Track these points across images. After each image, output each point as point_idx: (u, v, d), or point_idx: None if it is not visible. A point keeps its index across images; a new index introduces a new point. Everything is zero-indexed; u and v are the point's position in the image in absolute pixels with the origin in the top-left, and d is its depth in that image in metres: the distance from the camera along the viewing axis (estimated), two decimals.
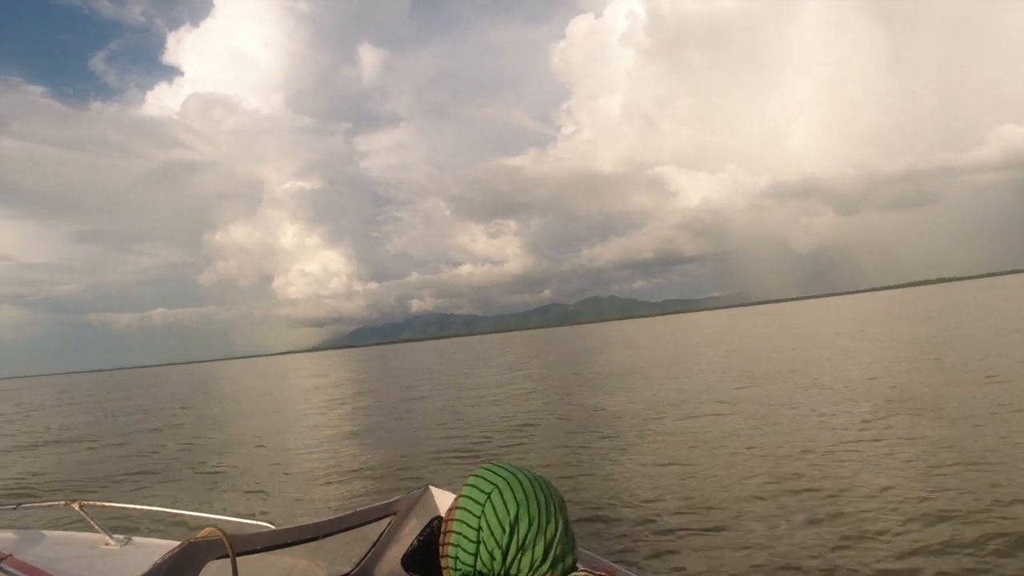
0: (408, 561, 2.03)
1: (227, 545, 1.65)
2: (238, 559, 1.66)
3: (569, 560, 1.38)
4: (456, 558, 1.40)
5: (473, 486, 1.43)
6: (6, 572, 2.45)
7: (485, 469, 1.46)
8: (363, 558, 2.29)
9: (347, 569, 2.28)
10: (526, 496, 1.38)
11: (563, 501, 1.45)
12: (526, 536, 1.35)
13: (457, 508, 1.43)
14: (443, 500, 2.28)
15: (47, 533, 3.12)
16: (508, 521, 1.35)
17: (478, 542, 1.37)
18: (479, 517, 1.38)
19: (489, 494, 1.39)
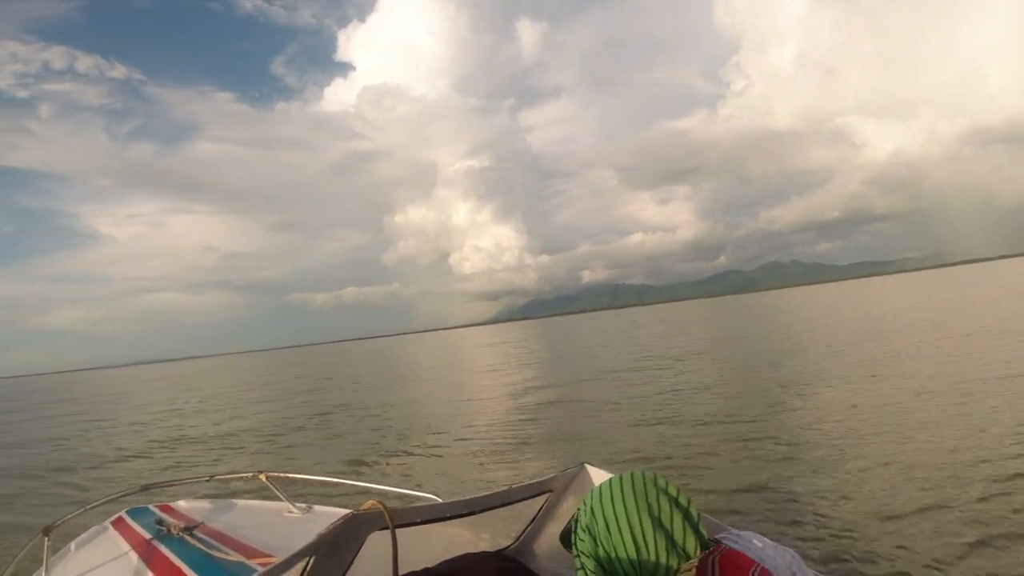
0: (566, 538, 1.98)
1: (387, 517, 1.67)
2: (399, 530, 1.68)
3: (681, 549, 1.34)
4: (576, 569, 1.45)
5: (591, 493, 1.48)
6: (198, 539, 2.66)
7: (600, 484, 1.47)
8: (521, 533, 2.30)
9: (506, 543, 2.31)
10: (612, 489, 1.40)
11: (672, 495, 1.40)
12: (621, 548, 1.35)
13: (572, 517, 1.51)
14: (599, 479, 2.18)
15: (236, 502, 3.41)
16: (586, 522, 1.43)
17: (577, 555, 1.44)
18: (573, 531, 1.48)
19: (584, 507, 1.46)
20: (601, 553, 1.38)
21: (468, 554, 2.13)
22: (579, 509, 1.45)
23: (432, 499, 2.79)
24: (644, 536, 1.34)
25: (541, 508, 2.25)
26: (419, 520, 1.89)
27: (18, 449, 16.30)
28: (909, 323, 23.82)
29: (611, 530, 1.37)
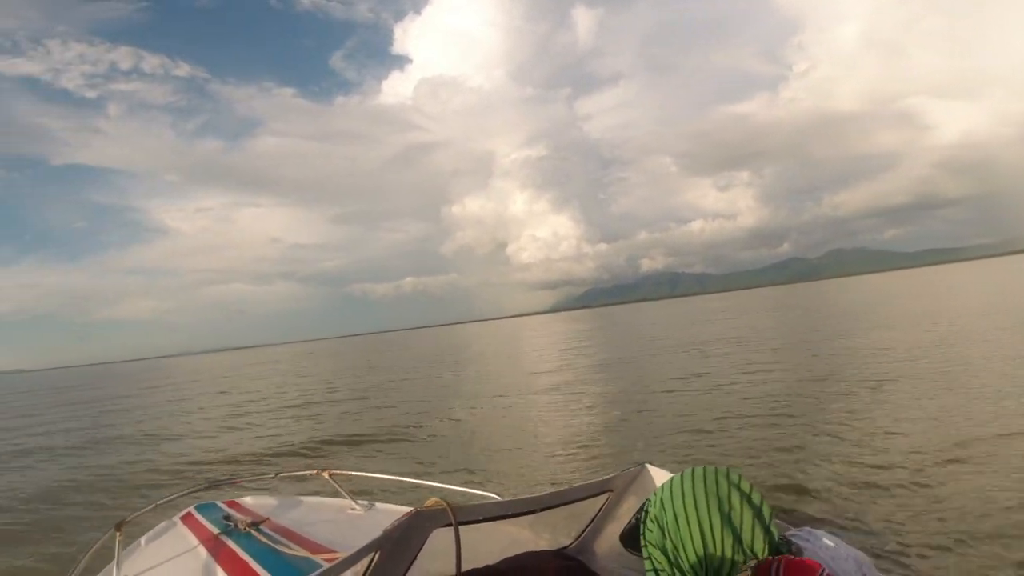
0: (626, 538, 2.05)
1: (451, 515, 1.69)
2: (461, 528, 1.70)
3: (746, 546, 1.33)
4: (643, 557, 1.46)
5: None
6: (265, 534, 2.75)
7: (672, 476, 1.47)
8: (582, 533, 2.31)
9: (566, 543, 2.32)
10: (683, 498, 1.39)
11: (744, 489, 1.38)
12: (688, 541, 1.35)
13: (641, 508, 1.51)
14: (660, 479, 2.19)
15: (300, 499, 3.52)
16: (655, 514, 1.43)
17: (645, 545, 1.45)
18: (642, 521, 1.48)
19: (654, 498, 1.47)
20: (668, 545, 1.38)
21: (529, 552, 2.15)
22: (648, 500, 1.46)
23: (492, 497, 2.83)
24: (712, 531, 1.34)
25: (601, 508, 2.25)
26: (481, 518, 1.90)
27: (107, 435, 17.15)
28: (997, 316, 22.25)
29: (679, 523, 1.37)
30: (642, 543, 1.47)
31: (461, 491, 3.29)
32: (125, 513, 3.20)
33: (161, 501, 3.60)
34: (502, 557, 2.09)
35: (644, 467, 2.23)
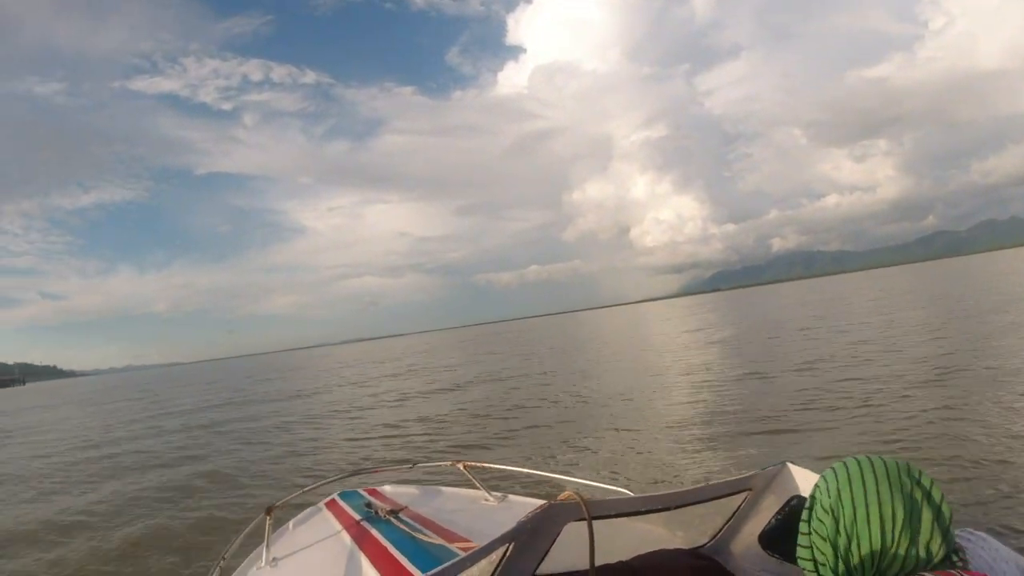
0: (765, 539, 2.06)
1: (584, 509, 1.67)
2: (594, 522, 1.67)
3: (923, 546, 1.24)
4: (799, 543, 1.38)
5: (830, 471, 1.38)
6: (403, 522, 2.85)
7: (842, 462, 1.36)
8: (718, 532, 2.23)
9: (702, 541, 2.26)
10: (850, 479, 1.31)
11: (924, 485, 1.28)
12: (852, 522, 1.28)
13: (810, 495, 1.40)
14: (802, 479, 2.05)
15: (437, 489, 3.64)
16: (830, 505, 1.32)
17: (809, 532, 1.35)
18: (810, 509, 1.37)
19: (817, 483, 1.38)
20: (841, 540, 1.28)
21: (662, 550, 2.12)
22: (816, 487, 1.36)
23: (624, 492, 2.82)
24: (893, 528, 1.24)
25: (739, 507, 2.15)
26: (614, 513, 1.87)
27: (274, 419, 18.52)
28: None
29: (858, 515, 1.27)
30: (805, 532, 1.37)
31: (593, 485, 3.28)
32: (275, 498, 3.48)
33: (308, 488, 3.85)
34: (635, 553, 2.07)
35: (785, 465, 2.13)
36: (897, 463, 1.32)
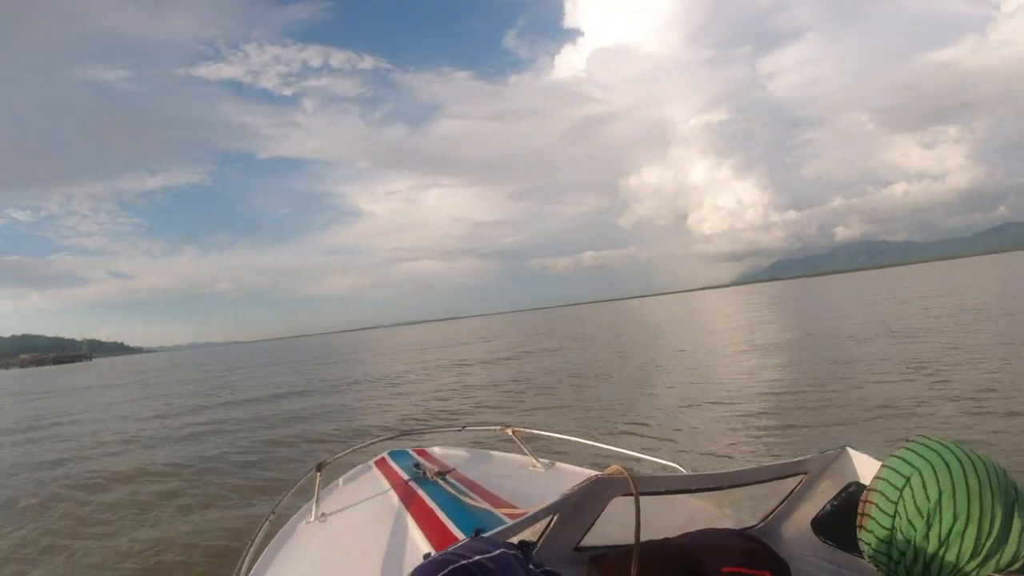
0: (819, 525, 1.98)
1: (632, 485, 1.61)
2: (641, 498, 1.61)
3: (1007, 555, 1.16)
4: (872, 533, 1.30)
5: (898, 459, 1.28)
6: (450, 484, 2.81)
7: (915, 443, 1.28)
8: (769, 514, 2.17)
9: (752, 523, 2.20)
10: (953, 483, 1.19)
11: (1013, 488, 1.20)
12: (948, 529, 1.18)
13: (878, 481, 1.30)
14: (862, 464, 1.93)
15: (484, 452, 3.63)
16: (927, 509, 1.20)
17: (892, 528, 1.26)
18: (895, 503, 1.25)
19: (909, 477, 1.24)
20: (931, 545, 1.20)
21: (711, 529, 2.06)
22: (852, 483, 1.34)
23: (674, 467, 2.82)
24: (988, 536, 1.17)
25: (793, 490, 2.08)
26: (663, 490, 1.84)
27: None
28: None
29: (957, 526, 1.18)
30: (887, 527, 1.27)
31: (644, 458, 3.26)
32: (325, 455, 3.48)
33: (358, 446, 3.91)
34: (682, 530, 2.02)
35: (844, 450, 2.01)
36: (994, 464, 1.24)
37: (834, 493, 1.98)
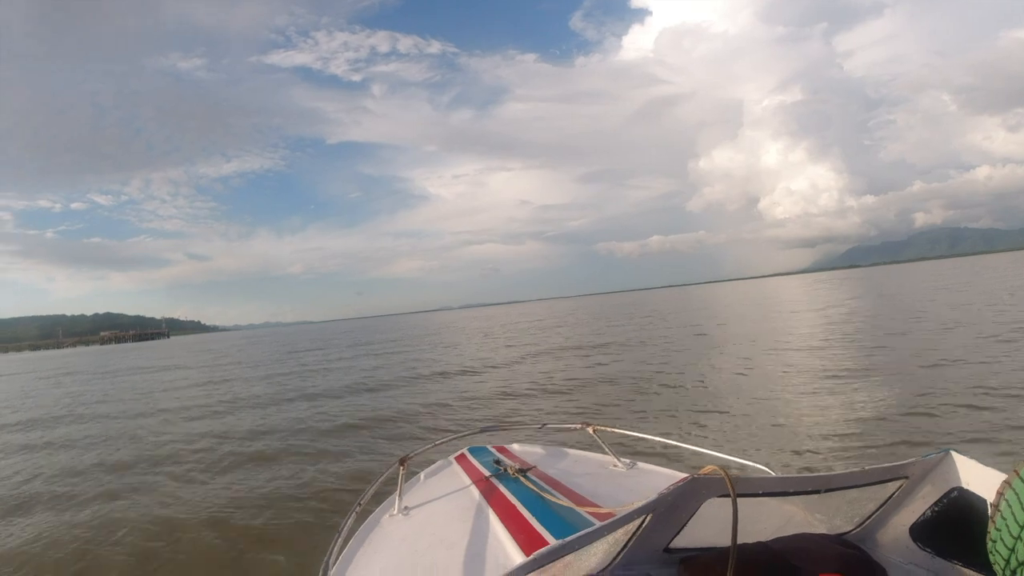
0: (918, 532, 1.94)
1: (730, 486, 1.55)
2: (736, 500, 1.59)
3: None
4: (995, 543, 1.27)
5: None
6: (532, 481, 2.83)
7: None
8: (865, 520, 2.07)
9: (847, 528, 2.10)
10: None
11: None
12: None
13: (1006, 489, 1.27)
14: (967, 470, 1.83)
15: (565, 451, 3.60)
16: None
17: (1018, 538, 1.22)
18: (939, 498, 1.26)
19: None
20: (1014, 561, 1.19)
21: (806, 534, 1.98)
22: (955, 487, 1.27)
23: (762, 469, 2.75)
24: None
25: (892, 495, 1.98)
26: (760, 492, 1.76)
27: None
28: None
29: None
30: (990, 548, 1.25)
31: (730, 459, 3.14)
32: (408, 450, 3.54)
33: (440, 441, 3.99)
34: (774, 535, 1.95)
35: (948, 454, 1.90)
36: None
37: (935, 499, 1.91)
